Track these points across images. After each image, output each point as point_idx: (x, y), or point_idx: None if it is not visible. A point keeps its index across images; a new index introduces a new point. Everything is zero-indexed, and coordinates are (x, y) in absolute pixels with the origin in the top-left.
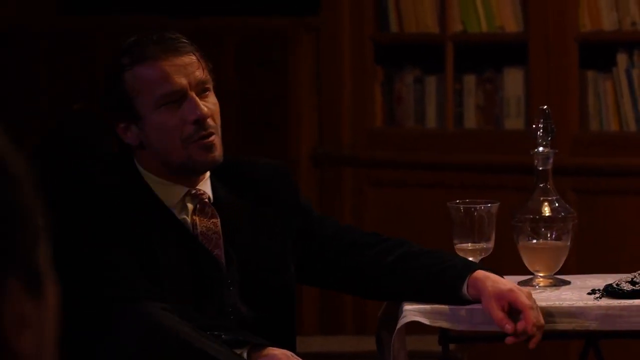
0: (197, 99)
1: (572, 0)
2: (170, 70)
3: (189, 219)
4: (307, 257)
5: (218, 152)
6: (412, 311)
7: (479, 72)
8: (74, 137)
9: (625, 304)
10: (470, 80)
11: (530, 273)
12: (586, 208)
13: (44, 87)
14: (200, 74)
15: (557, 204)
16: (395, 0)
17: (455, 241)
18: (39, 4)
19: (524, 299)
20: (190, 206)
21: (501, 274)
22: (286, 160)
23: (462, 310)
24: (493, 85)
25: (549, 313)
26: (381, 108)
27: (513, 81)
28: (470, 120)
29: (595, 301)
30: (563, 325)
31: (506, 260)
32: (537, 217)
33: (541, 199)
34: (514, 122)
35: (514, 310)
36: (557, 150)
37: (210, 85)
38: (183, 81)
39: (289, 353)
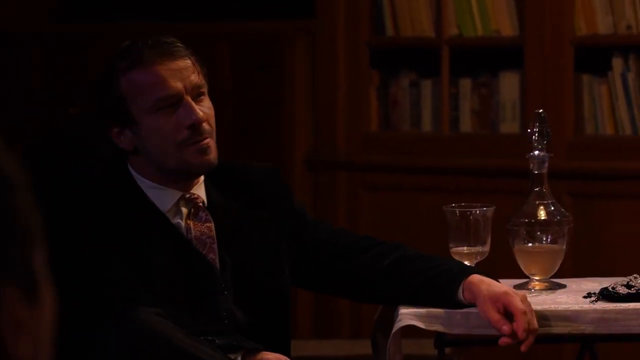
0: (193, 103)
1: (568, 4)
2: (166, 74)
3: (183, 223)
4: (301, 261)
5: (213, 155)
6: (408, 315)
7: (475, 76)
8: (75, 138)
9: (621, 308)
10: (465, 84)
11: (526, 277)
12: (582, 212)
13: (41, 89)
14: (195, 78)
15: (552, 208)
16: (390, 4)
17: (451, 245)
18: (38, 6)
19: (517, 302)
20: (184, 210)
21: (497, 278)
22: (281, 164)
23: (458, 314)
24: (489, 89)
25: (544, 316)
26: (377, 112)
27: (509, 85)
28: (466, 124)
29: (591, 305)
30: (559, 328)
31: (502, 264)
32: (533, 220)
33: (537, 202)
34: (509, 126)
35: (508, 313)
36: (552, 154)
37: (205, 90)
38: (179, 85)
39: (283, 357)
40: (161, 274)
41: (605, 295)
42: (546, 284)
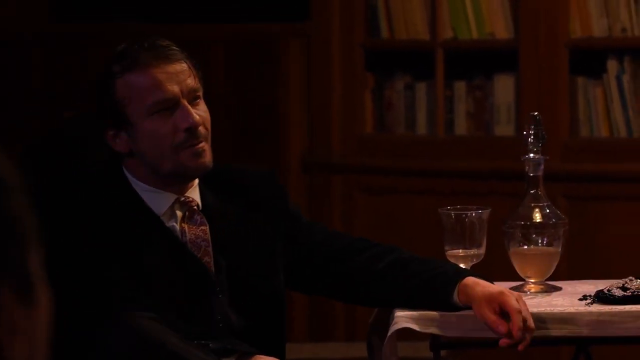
0: (189, 107)
1: (563, 6)
2: (162, 77)
3: (177, 227)
4: (296, 263)
5: (208, 158)
6: (404, 317)
7: (470, 79)
8: (75, 138)
9: (617, 310)
10: (460, 86)
11: (522, 279)
12: (577, 214)
13: (41, 89)
14: (191, 81)
15: (548, 210)
16: (385, 6)
17: (447, 247)
18: (38, 6)
19: (513, 301)
20: (179, 213)
21: (492, 280)
22: (276, 166)
23: (453, 316)
24: (483, 92)
25: (540, 319)
26: (371, 114)
27: (503, 88)
28: (461, 127)
29: (587, 307)
30: (554, 331)
31: (497, 267)
32: (528, 223)
33: (532, 205)
34: (504, 128)
35: (504, 313)
36: (547, 157)
37: (200, 93)
38: (175, 89)
39: None
40: (156, 277)
41: (601, 297)
42: (542, 286)
